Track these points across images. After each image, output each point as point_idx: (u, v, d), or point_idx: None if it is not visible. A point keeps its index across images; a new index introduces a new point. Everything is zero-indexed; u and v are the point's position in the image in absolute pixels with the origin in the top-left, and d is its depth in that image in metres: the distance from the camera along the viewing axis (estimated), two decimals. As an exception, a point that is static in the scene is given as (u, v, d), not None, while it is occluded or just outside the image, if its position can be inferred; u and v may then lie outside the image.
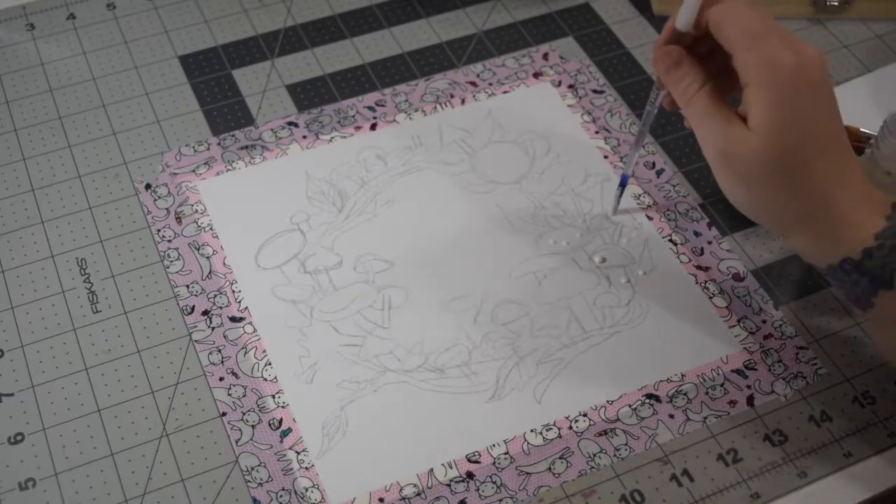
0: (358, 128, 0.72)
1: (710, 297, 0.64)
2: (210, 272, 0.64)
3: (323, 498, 0.56)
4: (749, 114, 0.50)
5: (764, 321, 0.63)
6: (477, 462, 0.57)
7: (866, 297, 0.51)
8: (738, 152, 0.50)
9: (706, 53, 0.54)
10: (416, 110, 0.74)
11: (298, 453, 0.57)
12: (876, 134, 0.63)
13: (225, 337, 0.62)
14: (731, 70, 0.52)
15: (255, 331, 0.62)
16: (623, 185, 0.67)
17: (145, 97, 0.74)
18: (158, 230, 0.66)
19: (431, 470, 0.57)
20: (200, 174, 0.69)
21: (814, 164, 0.50)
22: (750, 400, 0.60)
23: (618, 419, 0.59)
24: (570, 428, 0.58)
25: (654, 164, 0.71)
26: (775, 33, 0.51)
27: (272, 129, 0.72)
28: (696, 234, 0.67)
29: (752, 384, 0.60)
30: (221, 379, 0.60)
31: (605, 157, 0.71)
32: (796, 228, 0.52)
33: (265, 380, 0.60)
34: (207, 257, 0.65)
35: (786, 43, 0.50)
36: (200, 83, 0.75)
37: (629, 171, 0.66)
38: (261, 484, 0.56)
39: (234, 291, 0.63)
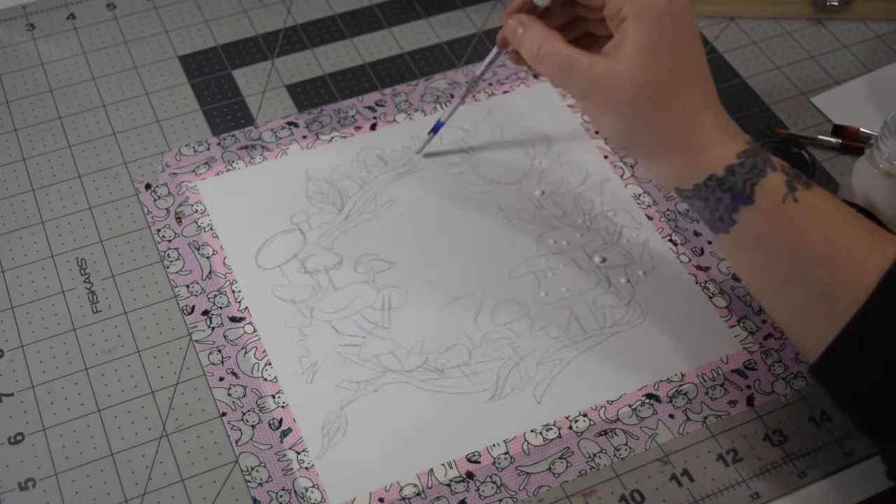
0: (358, 128, 0.72)
1: (710, 297, 0.64)
2: (210, 272, 0.64)
3: (323, 498, 0.56)
4: (622, 45, 0.54)
5: (764, 321, 0.63)
6: (477, 462, 0.57)
7: (728, 214, 0.54)
8: (610, 80, 0.54)
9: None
10: (416, 110, 0.74)
11: (298, 453, 0.57)
12: (876, 134, 0.63)
13: (225, 337, 0.62)
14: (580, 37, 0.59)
15: (255, 331, 0.62)
16: (435, 130, 0.69)
17: (145, 97, 0.74)
18: (158, 230, 0.66)
19: (431, 470, 0.57)
20: (200, 174, 0.69)
21: (682, 89, 0.54)
22: (750, 400, 0.60)
23: (618, 419, 0.59)
24: (570, 428, 0.58)
25: (654, 164, 0.71)
26: None
27: (272, 129, 0.72)
28: (696, 234, 0.67)
29: (752, 384, 0.60)
30: (221, 379, 0.60)
31: (605, 157, 0.71)
32: (663, 151, 0.55)
33: (265, 380, 0.60)
34: (207, 257, 0.65)
35: None
36: (200, 83, 0.75)
37: (444, 119, 0.69)
38: (261, 484, 0.56)
39: (234, 291, 0.63)
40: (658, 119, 0.54)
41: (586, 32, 0.60)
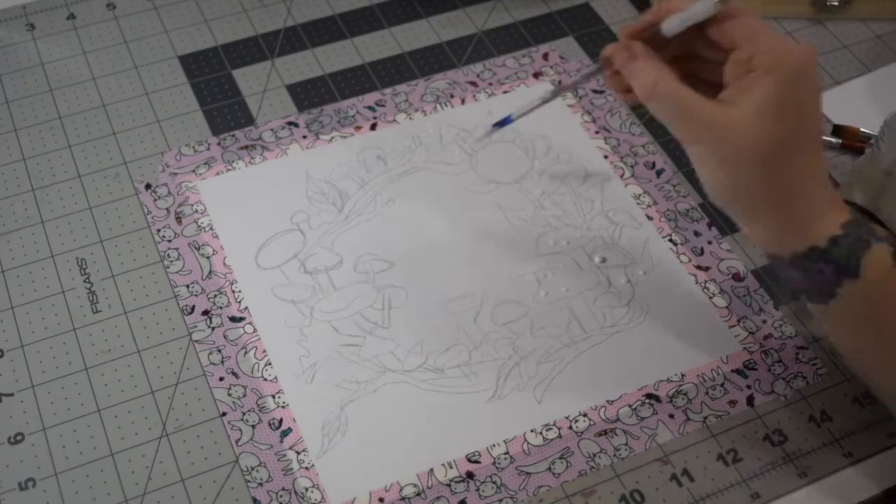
0: (358, 128, 0.72)
1: (710, 297, 0.64)
2: (210, 272, 0.64)
3: (323, 498, 0.56)
4: (745, 97, 0.50)
5: (764, 321, 0.63)
6: (477, 462, 0.57)
7: (830, 288, 0.51)
8: (727, 131, 0.50)
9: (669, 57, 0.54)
10: (416, 110, 0.74)
11: (298, 453, 0.57)
12: (876, 134, 0.63)
13: (225, 337, 0.62)
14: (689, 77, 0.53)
15: (255, 331, 0.62)
16: (504, 124, 0.65)
17: (145, 97, 0.74)
18: (158, 230, 0.66)
19: (431, 470, 0.57)
20: (200, 174, 0.69)
21: (798, 153, 0.50)
22: (750, 400, 0.60)
23: (618, 419, 0.59)
24: (570, 428, 0.58)
25: (654, 164, 0.71)
26: (777, 34, 0.52)
27: (272, 129, 0.72)
28: (696, 234, 0.67)
29: (752, 384, 0.60)
30: (221, 379, 0.60)
31: (605, 157, 0.71)
32: (766, 215, 0.52)
33: (265, 380, 0.60)
34: (207, 257, 0.65)
35: (789, 40, 0.50)
36: (200, 83, 0.75)
37: (515, 116, 0.64)
38: (261, 484, 0.56)
39: (234, 291, 0.63)
40: (768, 181, 0.50)
41: (688, 72, 0.54)
